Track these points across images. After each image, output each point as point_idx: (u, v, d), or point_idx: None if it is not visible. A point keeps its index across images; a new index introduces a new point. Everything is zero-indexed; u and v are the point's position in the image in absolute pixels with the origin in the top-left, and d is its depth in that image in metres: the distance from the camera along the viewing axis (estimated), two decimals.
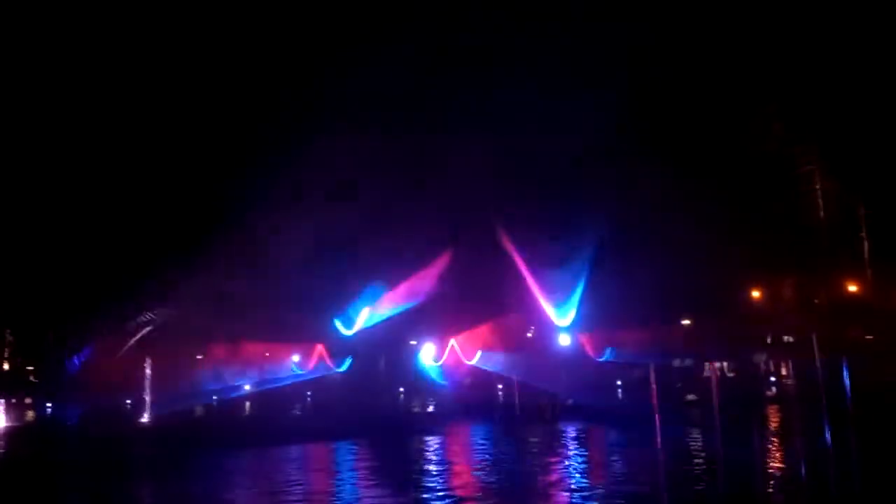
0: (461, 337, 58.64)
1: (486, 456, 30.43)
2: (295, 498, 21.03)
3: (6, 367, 57.13)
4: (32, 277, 52.78)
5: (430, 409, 57.07)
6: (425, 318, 57.43)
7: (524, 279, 57.38)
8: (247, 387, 57.07)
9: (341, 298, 56.73)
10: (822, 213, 53.97)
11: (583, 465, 26.05)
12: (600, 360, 55.54)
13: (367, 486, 23.00)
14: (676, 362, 52.63)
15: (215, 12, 54.64)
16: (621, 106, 50.33)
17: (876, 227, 51.68)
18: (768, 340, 53.46)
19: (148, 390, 53.61)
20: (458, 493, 20.26)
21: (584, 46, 52.47)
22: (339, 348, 58.62)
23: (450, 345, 58.96)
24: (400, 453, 31.64)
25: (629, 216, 51.85)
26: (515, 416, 47.50)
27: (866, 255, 52.52)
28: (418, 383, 59.32)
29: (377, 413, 48.63)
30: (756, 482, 13.15)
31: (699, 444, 28.31)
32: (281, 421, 49.95)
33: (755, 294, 55.94)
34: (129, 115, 55.38)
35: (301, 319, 55.02)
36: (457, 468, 27.27)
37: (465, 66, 55.58)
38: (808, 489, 12.51)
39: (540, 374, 53.37)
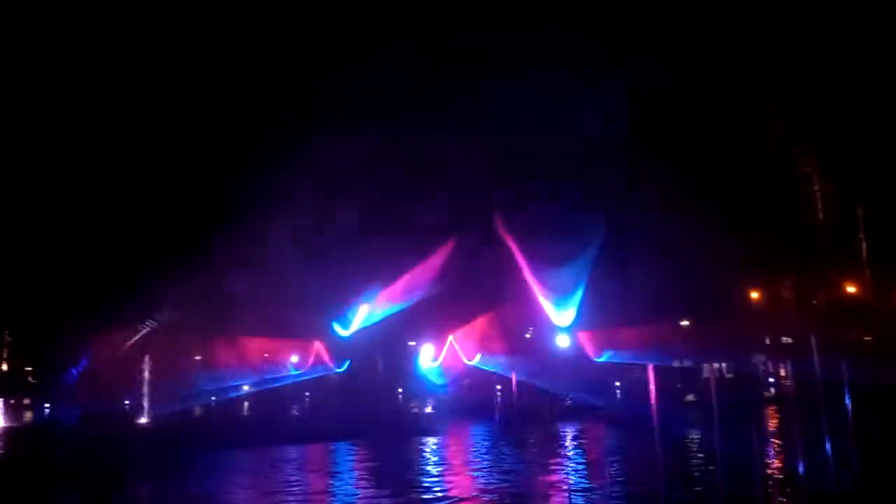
0: (460, 332, 58.53)
1: (485, 457, 30.40)
2: (293, 498, 21.01)
3: (5, 367, 57.07)
4: (31, 278, 52.74)
5: (429, 409, 57.03)
6: (423, 317, 57.40)
7: (524, 277, 57.49)
8: (245, 387, 57.01)
9: (339, 297, 56.73)
10: (820, 215, 54.03)
11: (581, 466, 26.05)
12: (599, 360, 55.55)
13: (365, 487, 22.97)
14: (675, 363, 52.62)
15: (216, 12, 54.68)
16: (621, 106, 50.39)
17: (874, 229, 51.73)
18: (767, 341, 53.46)
19: (146, 391, 53.56)
20: (456, 493, 20.24)
21: (585, 47, 52.53)
22: (337, 349, 58.58)
23: (448, 342, 58.91)
24: (398, 454, 31.60)
25: (629, 217, 51.91)
26: (514, 417, 47.45)
27: (865, 256, 52.57)
28: (417, 384, 59.28)
29: (376, 414, 48.58)
30: (755, 483, 13.16)
31: (698, 444, 28.34)
32: (280, 421, 49.90)
33: (754, 295, 55.98)
34: (130, 115, 55.38)
35: (299, 318, 55.00)
36: (455, 469, 27.26)
37: (464, 66, 55.61)
38: (807, 490, 12.52)
39: (539, 374, 53.38)
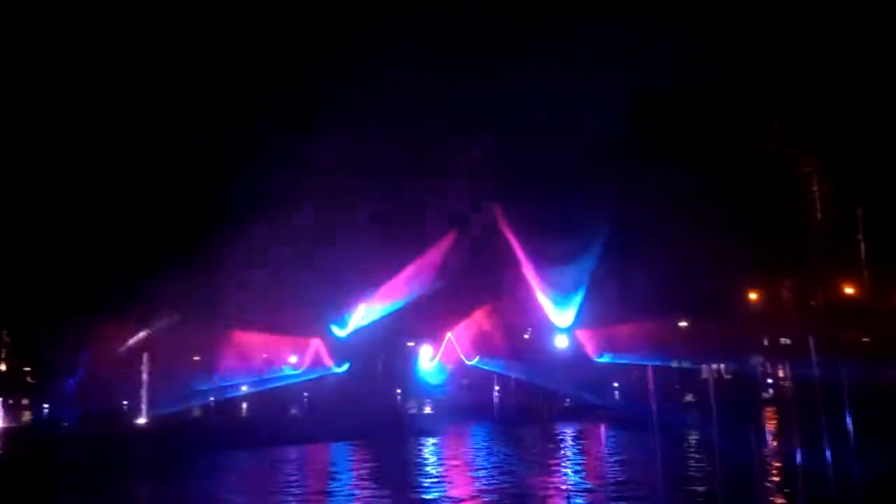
0: (459, 331, 58.48)
1: (483, 458, 30.41)
2: (293, 499, 21.02)
3: (3, 367, 56.96)
4: (30, 278, 52.66)
5: (428, 410, 57.02)
6: (422, 316, 57.36)
7: (524, 276, 57.59)
8: (244, 387, 56.94)
9: (338, 296, 56.72)
10: (819, 215, 54.07)
11: (580, 467, 26.07)
12: (598, 360, 55.58)
13: (363, 489, 22.97)
14: (674, 364, 52.64)
15: (220, 11, 54.74)
16: (622, 107, 50.48)
17: (873, 229, 51.77)
18: (765, 342, 53.47)
19: (145, 391, 53.49)
20: (455, 494, 20.26)
21: (585, 48, 52.67)
22: (336, 349, 58.54)
23: (447, 341, 58.88)
24: (397, 455, 31.60)
25: (628, 217, 51.90)
26: (513, 417, 47.49)
27: (863, 257, 52.61)
28: (415, 384, 59.25)
29: (374, 414, 48.55)
30: (753, 483, 13.19)
31: (697, 445, 28.38)
32: (278, 422, 49.88)
33: (753, 296, 55.99)
34: (130, 113, 55.37)
35: (298, 318, 54.98)
36: (453, 470, 27.27)
37: (468, 65, 55.79)
38: (806, 490, 12.54)
39: (538, 374, 53.40)
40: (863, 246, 52.57)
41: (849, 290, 53.81)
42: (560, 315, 57.87)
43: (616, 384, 55.03)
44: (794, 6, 50.61)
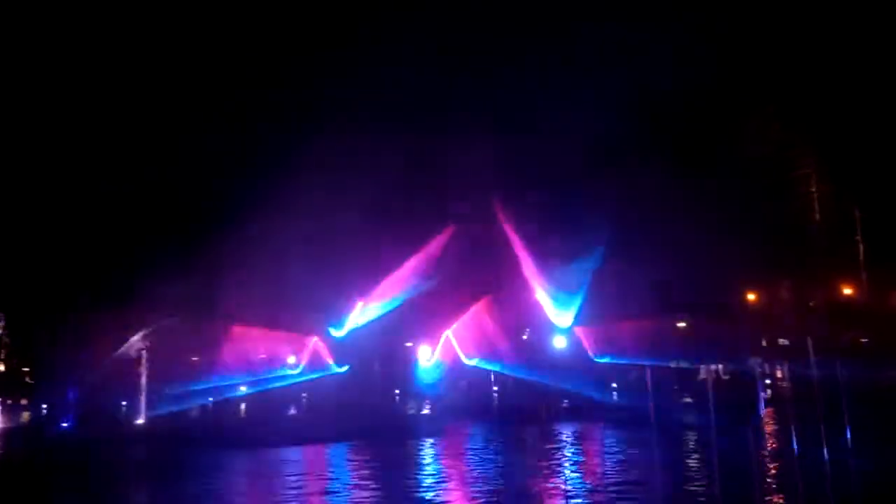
0: (457, 330, 58.45)
1: (482, 459, 30.39)
2: (290, 500, 21.04)
3: (2, 368, 56.95)
4: (29, 278, 52.65)
5: (426, 410, 56.98)
6: (420, 315, 57.38)
7: (524, 275, 57.67)
8: (243, 388, 56.91)
9: (337, 296, 56.75)
10: (817, 216, 54.11)
11: (578, 468, 26.08)
12: (597, 361, 55.58)
13: (361, 490, 22.97)
14: (672, 364, 52.66)
15: (220, 11, 54.74)
16: (621, 107, 50.45)
17: (872, 230, 51.82)
18: (763, 343, 53.50)
19: (143, 392, 53.47)
20: (454, 496, 20.28)
21: (585, 48, 52.67)
22: (334, 350, 58.53)
23: (446, 340, 58.87)
24: (395, 456, 31.57)
25: (627, 217, 51.90)
26: (512, 418, 47.48)
27: (862, 258, 52.67)
28: (414, 385, 59.22)
29: (373, 415, 48.54)
30: (751, 483, 13.22)
31: (696, 445, 28.40)
32: (277, 423, 49.85)
33: (751, 297, 56.02)
34: (130, 114, 55.36)
35: (297, 318, 55.03)
36: (451, 472, 27.27)
37: (468, 65, 55.76)
38: (804, 491, 12.57)
39: (537, 374, 53.38)
40: (861, 247, 52.64)
41: (847, 291, 53.86)
42: (559, 314, 57.94)
43: (615, 384, 55.04)
44: (793, 7, 50.67)
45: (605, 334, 54.84)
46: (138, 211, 54.60)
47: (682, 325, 55.99)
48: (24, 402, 55.58)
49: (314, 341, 58.49)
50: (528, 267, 57.75)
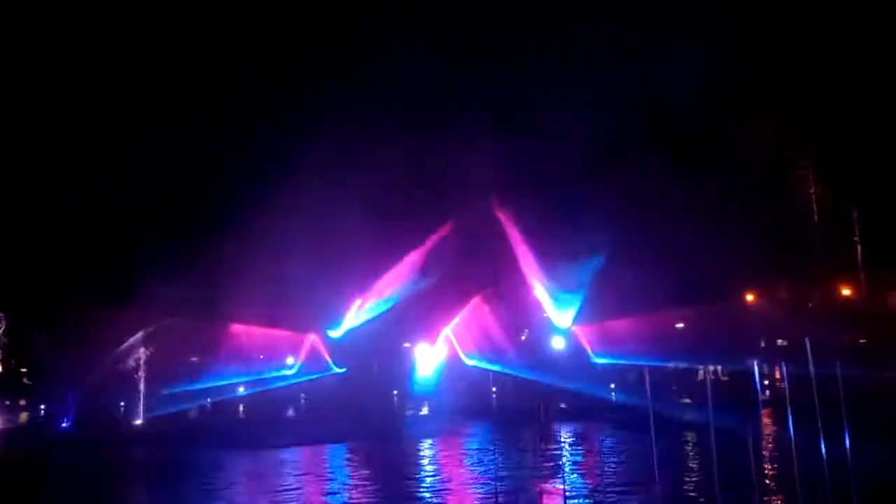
0: (456, 329, 58.40)
1: (480, 460, 30.37)
2: (289, 501, 21.02)
3: (0, 368, 56.85)
4: (27, 279, 52.58)
5: (425, 411, 56.92)
6: (418, 314, 57.35)
7: (524, 275, 57.72)
8: (241, 389, 56.86)
9: (336, 295, 56.76)
10: (816, 217, 54.16)
11: (577, 469, 26.07)
12: (596, 361, 55.56)
13: (360, 490, 22.96)
14: (671, 365, 52.65)
15: (220, 11, 54.78)
16: (621, 107, 50.50)
17: (870, 231, 51.86)
18: (762, 344, 53.51)
19: (142, 392, 53.40)
20: (452, 497, 20.26)
21: (585, 48, 52.71)
22: (332, 351, 58.49)
23: (445, 339, 58.82)
24: (394, 458, 31.54)
25: (626, 219, 51.91)
26: (511, 419, 47.43)
27: (860, 259, 52.71)
28: (413, 386, 59.15)
29: (372, 416, 48.51)
30: (751, 484, 13.21)
31: (695, 446, 28.40)
32: (275, 424, 49.79)
33: (750, 297, 56.04)
34: (130, 114, 55.38)
35: (295, 316, 55.00)
36: (450, 474, 27.24)
37: (469, 64, 55.80)
38: (803, 491, 12.56)
39: (536, 374, 53.33)
40: (860, 248, 52.69)
41: (846, 292, 53.90)
42: (559, 314, 57.98)
43: (613, 384, 55.01)
44: (793, 7, 50.74)
45: (604, 335, 54.83)
46: (137, 211, 54.59)
47: (680, 325, 56.01)
48: (22, 402, 55.48)
49: (313, 341, 58.47)
50: (528, 266, 57.80)
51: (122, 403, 53.89)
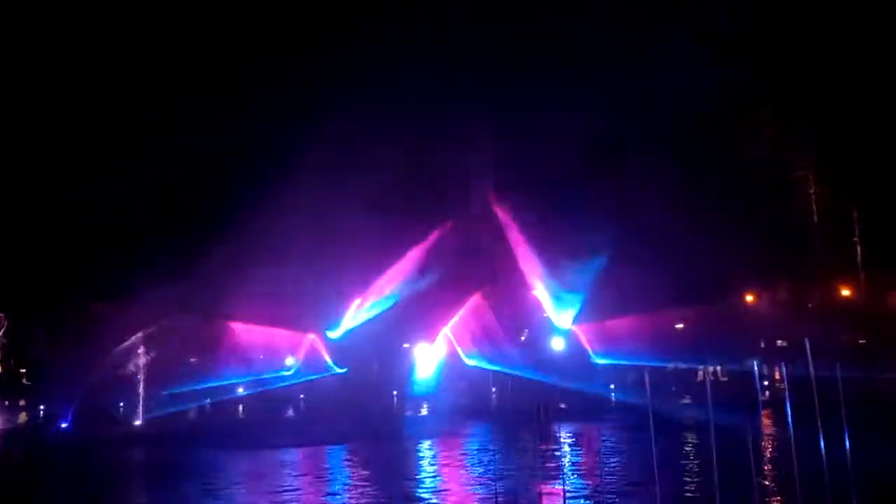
0: (456, 327, 58.40)
1: (480, 460, 30.36)
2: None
3: None
4: (26, 279, 52.56)
5: (424, 412, 56.92)
6: (418, 313, 57.36)
7: (523, 274, 57.75)
8: (240, 389, 56.86)
9: (336, 295, 56.75)
10: (816, 218, 54.14)
11: (576, 469, 26.05)
12: (596, 362, 55.56)
13: (360, 491, 22.94)
14: (671, 365, 52.66)
15: (220, 11, 54.79)
16: (622, 108, 50.50)
17: (870, 232, 51.84)
18: (762, 344, 53.52)
19: (141, 393, 53.38)
20: (452, 499, 20.24)
21: (585, 48, 52.71)
22: (332, 351, 58.49)
23: (444, 339, 58.80)
24: (393, 459, 31.52)
25: (626, 219, 51.92)
26: (510, 419, 47.41)
27: (860, 260, 52.69)
28: (412, 386, 59.16)
29: (372, 416, 48.49)
30: (750, 485, 13.19)
31: (694, 447, 28.39)
32: (275, 424, 49.77)
33: (750, 298, 56.04)
34: (130, 113, 55.36)
35: (294, 316, 55.00)
36: (448, 475, 27.21)
37: (469, 64, 55.82)
38: (803, 492, 12.55)
39: (535, 375, 53.34)
40: (859, 248, 52.67)
41: (846, 293, 53.89)
42: (559, 315, 57.99)
43: (613, 385, 55.04)
44: (793, 7, 50.72)
45: (604, 335, 54.84)
46: (137, 211, 54.56)
47: (680, 326, 56.02)
48: (21, 403, 55.48)
49: (313, 342, 58.48)
50: (528, 266, 57.82)
51: (122, 404, 53.87)
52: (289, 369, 58.14)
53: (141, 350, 53.93)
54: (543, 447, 32.36)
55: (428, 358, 59.55)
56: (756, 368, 50.80)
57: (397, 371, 59.44)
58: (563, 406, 51.52)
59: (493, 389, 57.66)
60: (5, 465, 36.10)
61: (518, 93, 57.03)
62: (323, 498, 22.44)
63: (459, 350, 58.35)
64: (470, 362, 58.03)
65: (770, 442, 29.15)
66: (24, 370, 57.53)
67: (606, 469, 23.65)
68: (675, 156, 49.78)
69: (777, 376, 53.98)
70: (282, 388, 57.04)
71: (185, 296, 50.22)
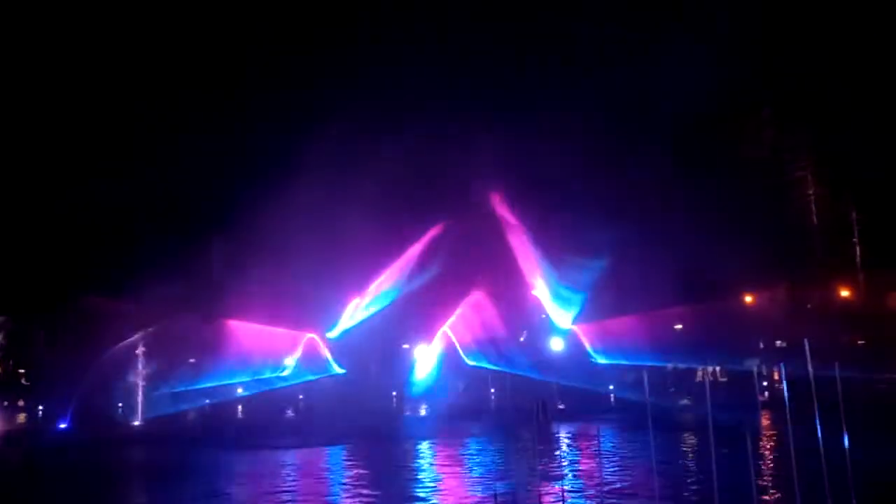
0: (455, 327, 58.36)
1: (479, 461, 30.34)
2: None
3: None
4: (25, 280, 52.58)
5: (423, 412, 56.90)
6: (417, 313, 57.34)
7: (524, 274, 57.74)
8: (240, 390, 56.84)
9: (335, 295, 56.75)
10: (815, 219, 54.15)
11: (575, 469, 26.04)
12: (595, 362, 55.55)
13: (359, 491, 22.93)
14: (670, 366, 52.65)
15: (221, 11, 54.82)
16: (622, 108, 50.51)
17: (869, 233, 51.86)
18: (761, 345, 53.51)
19: (141, 393, 53.40)
20: (451, 499, 20.23)
21: (585, 48, 52.71)
22: (331, 351, 58.47)
23: (443, 338, 58.77)
24: (392, 459, 31.49)
25: (626, 219, 51.91)
26: (509, 419, 47.40)
27: (859, 261, 52.71)
28: (412, 386, 59.12)
29: (371, 417, 48.46)
30: (750, 485, 13.20)
31: (693, 447, 28.38)
32: (274, 424, 49.75)
33: (749, 298, 56.03)
34: (130, 114, 55.39)
35: (294, 317, 55.00)
36: (448, 476, 27.20)
37: (469, 64, 55.84)
38: (802, 492, 12.56)
39: (535, 375, 53.33)
40: (859, 249, 52.68)
41: (845, 293, 53.89)
42: (559, 315, 57.98)
43: (612, 385, 55.03)
44: (793, 8, 50.75)
45: (603, 335, 54.81)
46: (137, 210, 54.59)
47: (679, 326, 56.00)
48: (20, 403, 55.51)
49: (312, 342, 58.44)
50: (528, 265, 57.81)
51: (121, 404, 53.88)
52: (288, 369, 58.10)
53: (140, 350, 53.93)
54: (542, 447, 32.36)
55: (427, 358, 59.51)
56: (755, 369, 50.88)
57: (396, 371, 59.40)
58: (561, 406, 51.56)
59: (492, 389, 57.61)
60: (5, 465, 36.07)
61: (518, 92, 57.09)
62: (323, 498, 22.43)
63: (459, 349, 58.29)
64: (469, 361, 57.99)
65: (769, 442, 29.14)
66: (23, 371, 57.52)
67: (605, 469, 23.63)
68: (675, 156, 49.77)
69: (776, 377, 54.03)
70: (281, 388, 57.01)
71: (184, 296, 50.20)
